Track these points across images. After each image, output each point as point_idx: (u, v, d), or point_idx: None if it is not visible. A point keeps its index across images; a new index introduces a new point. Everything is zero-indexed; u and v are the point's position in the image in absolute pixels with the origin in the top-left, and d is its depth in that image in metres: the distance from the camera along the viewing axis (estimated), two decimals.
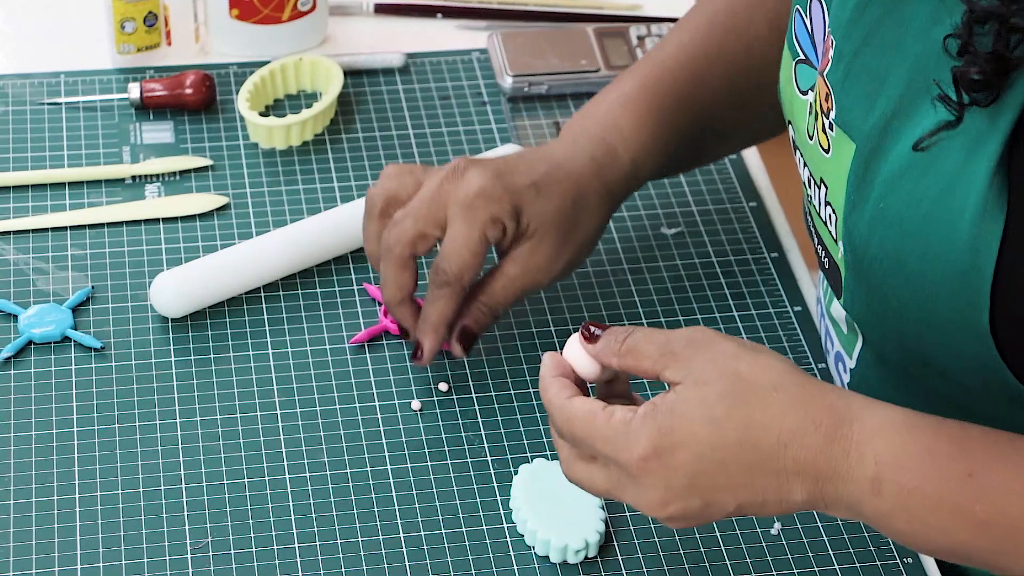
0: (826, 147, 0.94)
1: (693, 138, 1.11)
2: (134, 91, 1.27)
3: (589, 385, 0.91)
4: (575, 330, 0.98)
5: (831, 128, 0.93)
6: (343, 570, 0.97)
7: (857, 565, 0.99)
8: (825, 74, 0.94)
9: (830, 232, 0.95)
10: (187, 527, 0.99)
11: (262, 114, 1.28)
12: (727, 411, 0.83)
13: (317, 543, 0.98)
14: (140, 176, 1.22)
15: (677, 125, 1.09)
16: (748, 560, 0.99)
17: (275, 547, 0.98)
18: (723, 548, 0.99)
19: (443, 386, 1.07)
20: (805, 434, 0.83)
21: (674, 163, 1.12)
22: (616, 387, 0.91)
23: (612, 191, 1.07)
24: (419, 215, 1.01)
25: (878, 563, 0.99)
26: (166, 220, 1.19)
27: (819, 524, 1.01)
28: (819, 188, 0.96)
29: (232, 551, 0.97)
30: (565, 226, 1.04)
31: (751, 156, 1.28)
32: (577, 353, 0.89)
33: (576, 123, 1.09)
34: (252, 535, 0.98)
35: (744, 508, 0.85)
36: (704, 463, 0.83)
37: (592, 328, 0.89)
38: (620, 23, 1.39)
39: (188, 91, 1.27)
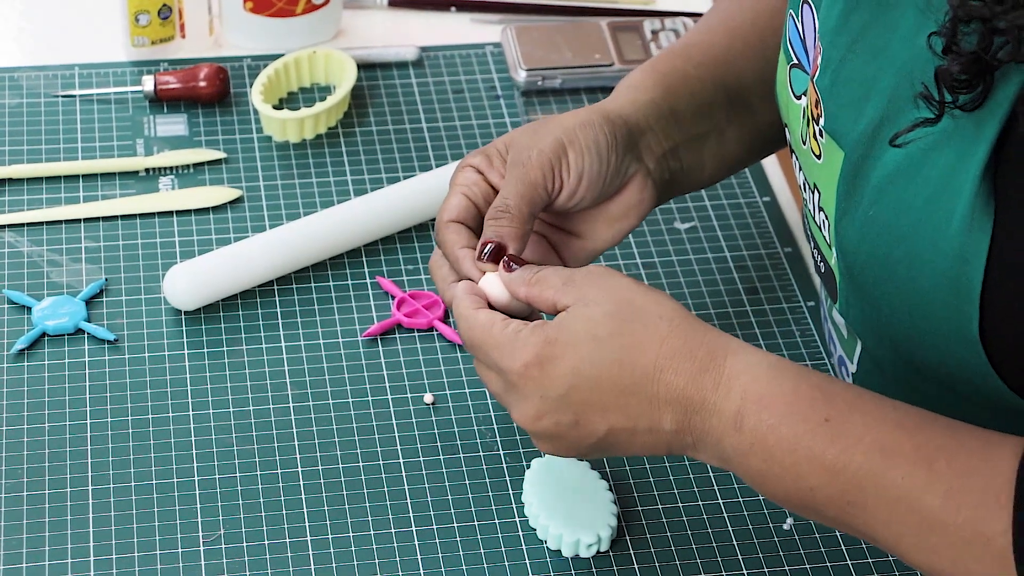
0: (818, 153, 0.94)
1: (709, 101, 1.05)
2: (148, 84, 1.28)
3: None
4: None
5: (821, 135, 0.93)
6: (355, 563, 0.97)
7: (869, 560, 0.99)
8: (814, 80, 0.94)
9: (824, 237, 0.95)
10: (199, 519, 0.99)
11: (276, 107, 1.28)
12: (610, 330, 0.86)
13: (329, 536, 0.98)
14: (154, 169, 1.23)
15: (689, 90, 1.04)
16: (760, 555, 0.99)
17: (287, 539, 0.98)
18: (735, 543, 0.99)
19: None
20: (680, 360, 0.86)
21: (695, 129, 1.04)
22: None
23: (611, 119, 0.99)
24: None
25: (890, 558, 0.99)
26: (179, 213, 1.19)
27: None
28: (813, 193, 0.96)
29: (244, 543, 0.98)
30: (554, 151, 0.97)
31: None
32: (491, 281, 0.93)
33: None
34: (264, 527, 0.99)
35: (614, 433, 0.87)
36: (580, 378, 0.86)
37: (512, 262, 0.92)
38: (634, 17, 1.39)
39: (202, 84, 1.27)
